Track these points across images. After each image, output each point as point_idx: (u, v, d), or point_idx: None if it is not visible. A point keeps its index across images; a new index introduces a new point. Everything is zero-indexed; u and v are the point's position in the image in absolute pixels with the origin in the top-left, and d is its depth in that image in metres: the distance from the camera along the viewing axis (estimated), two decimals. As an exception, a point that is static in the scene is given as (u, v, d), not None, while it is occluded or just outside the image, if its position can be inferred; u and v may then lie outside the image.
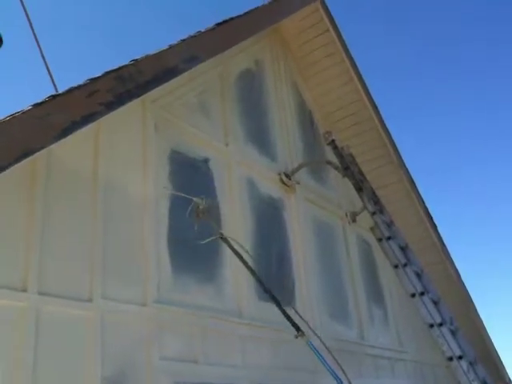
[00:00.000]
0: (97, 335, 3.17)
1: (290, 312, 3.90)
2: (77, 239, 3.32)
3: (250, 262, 3.95)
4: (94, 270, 3.32)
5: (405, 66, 22.82)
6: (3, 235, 2.94)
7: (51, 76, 5.18)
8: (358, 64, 6.89)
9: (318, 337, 3.86)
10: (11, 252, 2.95)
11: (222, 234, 3.87)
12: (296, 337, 3.69)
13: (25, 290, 2.92)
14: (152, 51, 3.81)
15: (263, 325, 4.52)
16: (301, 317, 4.01)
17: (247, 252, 3.95)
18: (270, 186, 5.52)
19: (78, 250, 3.31)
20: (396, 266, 5.32)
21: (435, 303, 5.09)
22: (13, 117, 2.74)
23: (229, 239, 3.87)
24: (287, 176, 5.77)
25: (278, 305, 3.81)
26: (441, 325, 4.93)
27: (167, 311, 3.70)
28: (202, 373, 3.82)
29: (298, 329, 3.71)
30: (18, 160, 2.66)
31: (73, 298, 3.14)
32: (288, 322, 3.78)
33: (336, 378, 3.55)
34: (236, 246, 3.89)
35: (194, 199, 3.83)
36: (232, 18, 4.80)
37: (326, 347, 3.82)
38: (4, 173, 2.60)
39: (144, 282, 3.65)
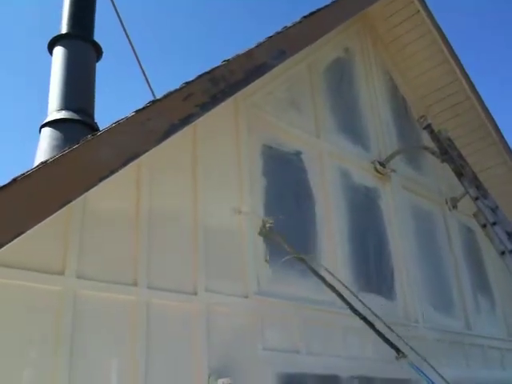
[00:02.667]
0: (202, 327, 3.32)
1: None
2: (180, 235, 3.49)
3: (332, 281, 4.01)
4: (197, 264, 3.47)
5: (501, 43, 21.36)
6: (112, 235, 3.16)
7: (148, 82, 5.47)
8: (451, 43, 6.60)
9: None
10: (122, 248, 3.16)
11: (299, 254, 3.96)
12: (397, 359, 3.60)
13: (135, 285, 3.12)
14: (241, 50, 3.90)
15: (364, 315, 4.48)
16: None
17: (327, 271, 4.05)
18: (364, 176, 5.45)
19: (182, 245, 3.47)
20: (503, 253, 5.05)
21: (548, 291, 4.79)
22: (118, 124, 2.93)
23: (306, 259, 3.96)
24: (381, 164, 5.67)
25: (374, 328, 3.81)
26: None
27: (268, 303, 3.79)
28: (304, 363, 3.87)
29: (397, 350, 3.68)
30: (125, 164, 2.85)
31: (179, 292, 3.31)
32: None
33: None
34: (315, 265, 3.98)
35: (263, 219, 3.97)
36: (319, 10, 4.77)
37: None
38: (113, 176, 2.80)
39: (244, 274, 3.76)
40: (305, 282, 4.21)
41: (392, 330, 3.68)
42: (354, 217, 5.04)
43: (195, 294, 3.39)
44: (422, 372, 3.42)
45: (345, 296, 3.96)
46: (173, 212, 3.51)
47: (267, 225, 3.92)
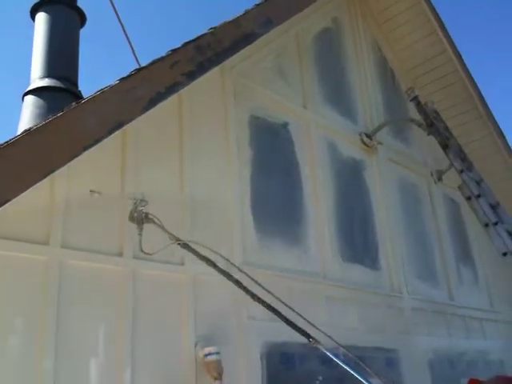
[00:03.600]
0: (189, 297, 3.35)
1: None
2: (167, 205, 3.47)
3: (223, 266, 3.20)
4: (184, 235, 3.46)
5: (489, 14, 21.27)
6: (98, 205, 3.13)
7: (133, 50, 5.36)
8: (440, 14, 6.54)
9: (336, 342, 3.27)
10: (108, 218, 3.14)
11: (180, 240, 3.12)
12: (310, 345, 3.15)
13: (121, 255, 3.12)
14: (228, 18, 3.83)
15: (347, 285, 4.55)
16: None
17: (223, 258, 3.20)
18: (351, 148, 5.45)
19: (169, 215, 3.45)
20: (486, 225, 5.13)
21: (529, 262, 4.87)
22: (102, 92, 2.87)
23: (190, 244, 3.13)
24: (368, 136, 5.66)
25: (287, 321, 3.24)
26: (536, 285, 4.73)
27: (254, 273, 3.81)
28: (289, 332, 3.91)
29: (309, 337, 3.16)
30: (110, 132, 2.81)
31: (166, 262, 3.31)
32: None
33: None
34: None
35: (134, 201, 3.13)
36: (306, -23, 4.69)
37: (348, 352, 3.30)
38: (99, 144, 2.76)
39: (230, 245, 3.77)
40: (290, 253, 4.24)
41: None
42: (341, 188, 5.06)
43: (182, 264, 3.40)
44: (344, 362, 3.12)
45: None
46: (159, 181, 3.49)
47: (139, 208, 3.09)
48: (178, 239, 3.10)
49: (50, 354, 2.64)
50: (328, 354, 3.09)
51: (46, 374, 2.61)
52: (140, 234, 3.07)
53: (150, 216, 3.11)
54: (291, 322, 3.24)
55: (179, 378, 3.14)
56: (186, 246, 3.12)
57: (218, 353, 3.18)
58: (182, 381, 3.15)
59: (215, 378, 3.12)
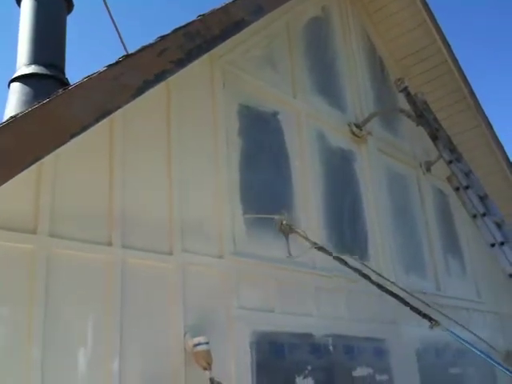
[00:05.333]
0: (178, 286, 3.32)
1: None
2: (156, 194, 3.44)
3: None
4: (172, 225, 3.44)
5: (481, 8, 21.33)
6: (86, 193, 3.09)
7: (121, 37, 5.30)
8: (430, 5, 6.54)
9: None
10: (96, 207, 3.10)
11: (316, 245, 4.03)
12: (431, 327, 3.61)
13: (110, 244, 3.08)
14: (218, 5, 3.79)
15: (336, 276, 4.55)
16: (377, 273, 3.93)
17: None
18: (341, 138, 5.44)
19: (158, 205, 3.43)
20: (474, 216, 5.15)
21: (516, 253, 4.91)
22: (90, 79, 2.83)
23: (325, 247, 4.03)
24: (358, 127, 5.66)
25: (402, 299, 3.77)
26: (522, 275, 4.77)
27: (243, 263, 3.80)
28: (278, 321, 3.92)
29: (430, 319, 3.63)
30: (98, 120, 2.76)
31: (155, 252, 3.29)
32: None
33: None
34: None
35: (276, 217, 4.03)
36: (297, -35, 4.65)
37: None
38: (85, 132, 2.72)
39: (219, 235, 3.75)
40: (279, 243, 4.23)
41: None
42: (330, 179, 5.05)
43: (171, 253, 3.37)
44: (463, 339, 3.38)
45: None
46: (147, 170, 3.45)
47: (284, 222, 4.04)
48: (314, 243, 3.97)
49: (37, 343, 2.61)
50: (454, 336, 3.55)
51: (34, 364, 2.58)
52: (288, 243, 4.09)
53: (293, 227, 4.10)
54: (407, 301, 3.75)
55: (168, 368, 3.13)
56: (321, 249, 3.99)
57: (207, 343, 3.16)
58: (171, 371, 3.13)
59: (204, 368, 3.11)
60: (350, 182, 5.38)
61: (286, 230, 4.08)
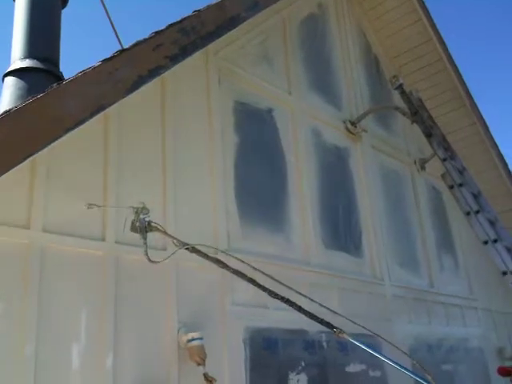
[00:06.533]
0: (173, 282, 3.32)
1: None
2: (150, 190, 3.44)
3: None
4: (166, 221, 3.44)
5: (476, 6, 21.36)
6: (79, 188, 3.08)
7: (116, 32, 5.28)
8: (426, 3, 6.55)
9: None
10: (90, 202, 3.09)
11: (187, 245, 3.05)
12: (336, 334, 3.19)
13: (103, 239, 3.08)
14: (213, 1, 3.78)
15: (330, 272, 4.56)
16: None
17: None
18: (336, 135, 5.44)
19: (151, 200, 3.42)
20: (468, 214, 5.19)
21: (509, 250, 4.95)
22: (84, 73, 2.82)
23: (198, 247, 3.09)
24: (353, 124, 5.66)
25: (309, 314, 3.31)
26: (515, 272, 4.80)
27: (237, 259, 3.80)
28: (272, 318, 3.93)
29: (333, 327, 3.22)
30: (92, 115, 2.76)
31: (149, 247, 3.27)
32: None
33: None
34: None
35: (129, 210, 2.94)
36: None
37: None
38: (80, 127, 2.71)
39: (214, 232, 3.75)
40: (273, 240, 4.23)
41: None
42: (325, 176, 5.06)
43: (165, 249, 3.37)
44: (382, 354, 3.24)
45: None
46: (141, 166, 3.44)
47: (141, 216, 2.92)
48: (185, 244, 3.02)
49: (31, 338, 2.60)
50: (356, 343, 3.15)
51: (28, 359, 2.58)
52: (145, 244, 2.92)
53: (153, 224, 2.99)
54: (310, 313, 3.28)
55: (162, 364, 3.13)
56: (194, 249, 3.06)
57: (201, 338, 3.17)
58: (164, 366, 3.13)
59: (198, 364, 3.12)
60: (345, 179, 5.39)
61: (143, 227, 2.96)
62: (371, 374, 4.59)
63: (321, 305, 3.31)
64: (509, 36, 22.36)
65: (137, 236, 3.20)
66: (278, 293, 3.43)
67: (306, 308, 3.25)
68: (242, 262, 3.16)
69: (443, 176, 5.45)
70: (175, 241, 3.04)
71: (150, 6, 17.99)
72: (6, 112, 2.58)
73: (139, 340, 3.06)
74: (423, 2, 6.52)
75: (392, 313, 5.09)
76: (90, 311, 2.89)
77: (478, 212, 5.13)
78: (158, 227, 3.00)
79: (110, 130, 3.31)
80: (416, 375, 3.04)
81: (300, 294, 3.27)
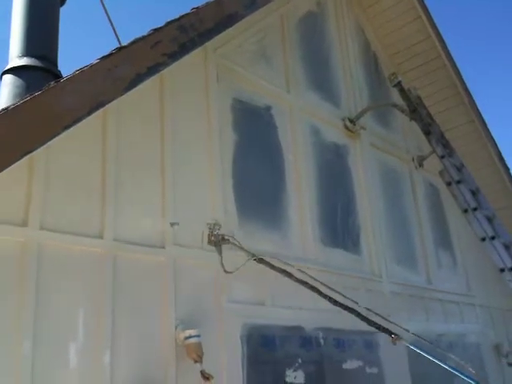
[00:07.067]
0: (170, 279, 3.33)
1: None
2: (148, 188, 3.44)
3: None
4: (165, 217, 3.45)
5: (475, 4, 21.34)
6: (77, 186, 3.09)
7: (114, 30, 5.28)
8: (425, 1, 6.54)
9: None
10: (88, 200, 3.10)
11: (255, 256, 3.57)
12: (393, 343, 3.47)
13: (101, 237, 3.09)
14: (212, -2, 3.78)
15: (328, 269, 4.57)
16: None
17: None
18: (334, 132, 5.45)
19: (150, 198, 3.43)
20: (466, 211, 5.20)
21: (507, 247, 4.96)
22: (82, 71, 2.82)
23: (266, 259, 3.56)
24: (351, 121, 5.66)
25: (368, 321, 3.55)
26: (512, 269, 4.82)
27: (234, 256, 3.81)
28: (270, 314, 3.94)
29: (390, 333, 3.46)
30: (90, 113, 2.76)
31: (147, 245, 3.29)
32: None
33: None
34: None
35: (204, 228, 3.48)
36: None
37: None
38: (79, 125, 2.72)
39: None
40: (272, 238, 4.24)
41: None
42: (323, 173, 5.06)
43: (163, 247, 3.38)
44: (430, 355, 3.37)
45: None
46: (140, 163, 3.45)
47: (215, 232, 3.36)
48: (253, 255, 3.50)
49: (27, 336, 2.61)
50: (415, 348, 3.45)
51: (24, 357, 2.58)
52: (221, 256, 3.49)
53: (226, 237, 3.53)
54: (369, 319, 3.59)
55: (159, 361, 3.14)
56: (261, 260, 3.49)
57: (198, 335, 3.18)
58: (161, 364, 3.14)
59: (195, 361, 3.13)
60: (343, 177, 5.40)
61: (217, 241, 3.54)
62: (368, 370, 4.61)
63: (368, 309, 3.70)
64: (507, 33, 22.34)
65: (134, 234, 3.23)
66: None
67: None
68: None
69: (441, 173, 5.45)
70: (247, 253, 3.50)
71: (149, 4, 17.97)
72: (3, 110, 2.59)
73: (137, 338, 3.07)
74: (422, 0, 6.51)
75: (390, 310, 5.10)
76: (88, 309, 2.90)
77: (475, 209, 5.13)
78: (230, 240, 3.52)
79: (109, 128, 3.31)
80: (462, 373, 3.12)
81: (345, 297, 3.63)
